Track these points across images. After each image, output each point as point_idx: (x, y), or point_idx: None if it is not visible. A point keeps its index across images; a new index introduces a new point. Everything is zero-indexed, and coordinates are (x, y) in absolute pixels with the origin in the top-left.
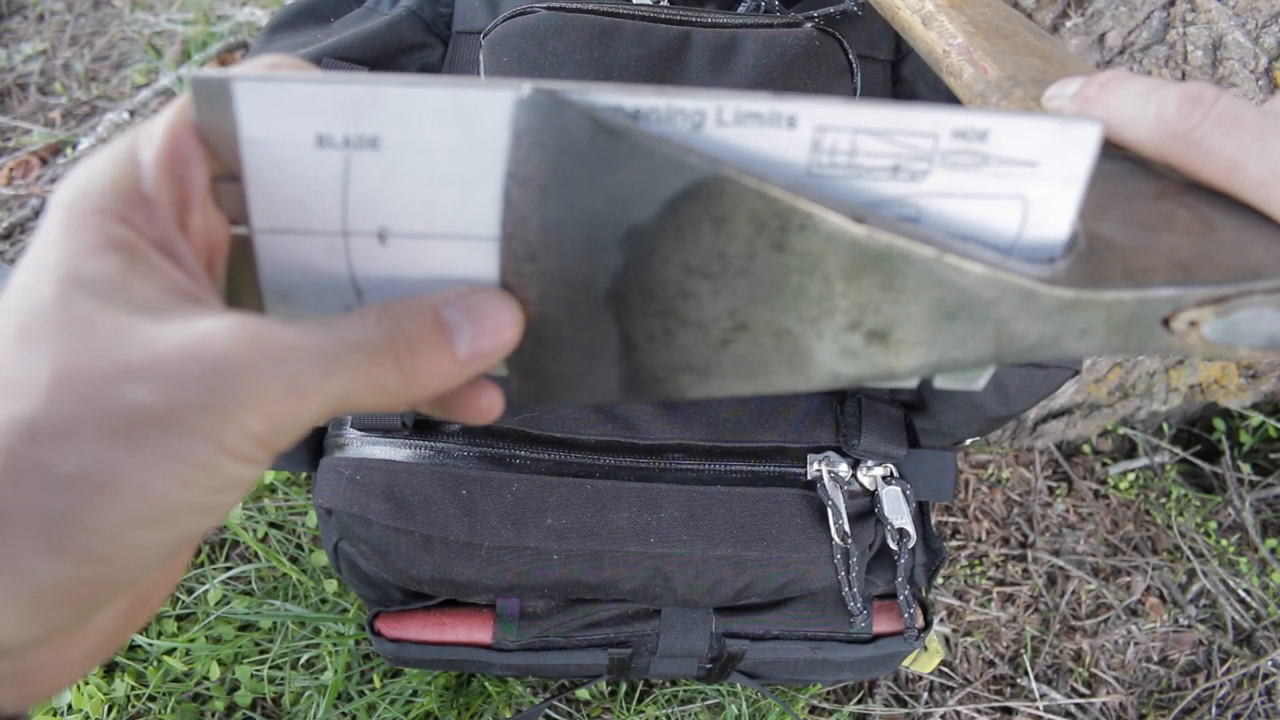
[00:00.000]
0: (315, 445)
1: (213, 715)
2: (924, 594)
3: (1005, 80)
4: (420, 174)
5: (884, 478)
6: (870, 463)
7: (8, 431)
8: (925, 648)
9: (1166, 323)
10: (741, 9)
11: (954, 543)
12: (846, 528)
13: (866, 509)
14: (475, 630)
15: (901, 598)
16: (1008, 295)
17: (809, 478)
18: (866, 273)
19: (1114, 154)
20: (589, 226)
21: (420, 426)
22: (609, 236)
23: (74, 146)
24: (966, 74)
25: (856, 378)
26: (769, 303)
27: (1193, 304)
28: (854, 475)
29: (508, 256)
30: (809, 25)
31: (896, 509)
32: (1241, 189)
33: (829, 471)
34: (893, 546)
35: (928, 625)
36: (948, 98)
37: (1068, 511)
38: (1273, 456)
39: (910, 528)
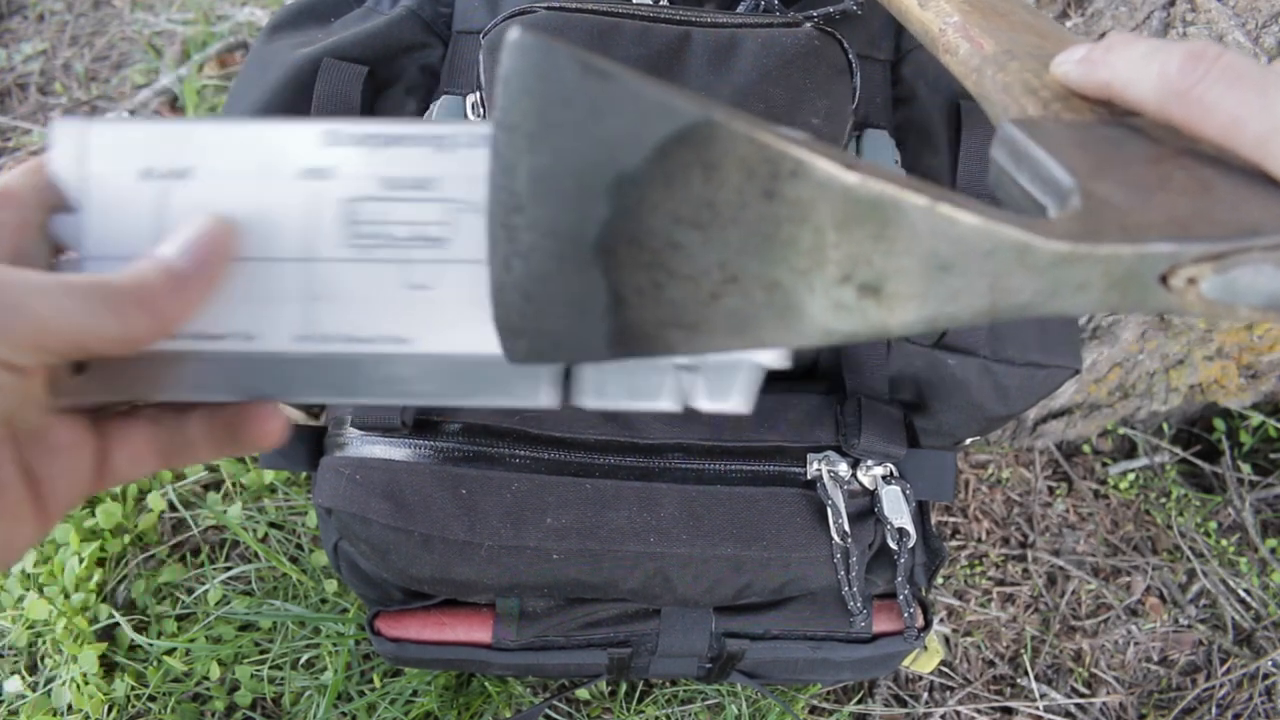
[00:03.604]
0: (315, 444)
1: (213, 715)
2: (924, 594)
3: (1001, 54)
4: (225, 199)
5: (884, 477)
6: (870, 462)
7: None
8: (925, 648)
9: (1164, 280)
10: (741, 8)
11: (954, 543)
12: (846, 527)
13: (866, 508)
14: (475, 630)
15: (901, 597)
16: (1002, 248)
17: (809, 477)
18: (858, 223)
19: (1113, 120)
20: (577, 174)
21: (420, 426)
22: (597, 184)
23: None
24: (962, 50)
25: (849, 334)
26: (759, 254)
27: (1191, 260)
28: (854, 475)
29: (496, 206)
30: (809, 25)
31: (896, 508)
32: (1241, 145)
33: (829, 471)
34: (892, 546)
35: (927, 625)
36: (948, 98)
37: (1068, 511)
38: (1273, 456)
39: (910, 527)
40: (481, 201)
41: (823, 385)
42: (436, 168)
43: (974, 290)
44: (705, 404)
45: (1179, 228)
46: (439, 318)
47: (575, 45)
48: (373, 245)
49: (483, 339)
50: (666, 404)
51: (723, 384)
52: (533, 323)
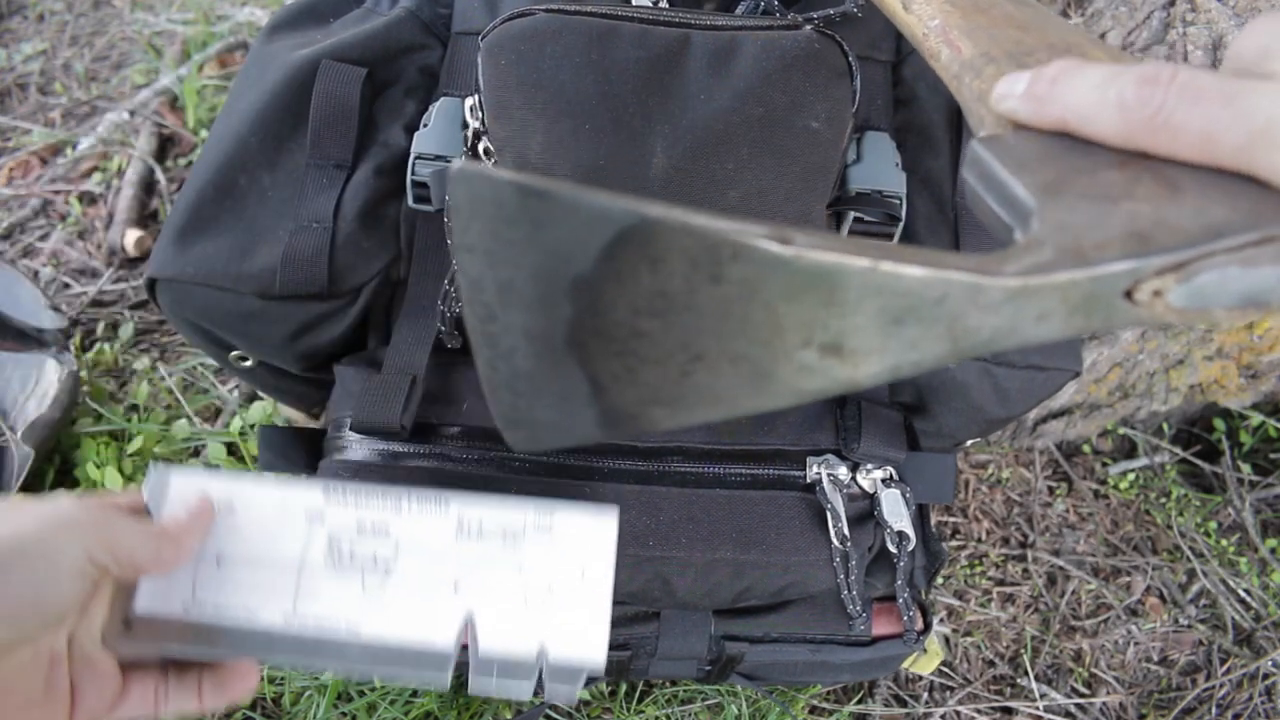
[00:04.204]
0: (314, 447)
1: (213, 715)
2: (924, 596)
3: (979, 58)
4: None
5: (884, 480)
6: (870, 465)
7: None
8: (925, 650)
9: (1130, 295)
10: (740, 10)
11: (954, 543)
12: (846, 531)
13: (866, 511)
14: None
15: (901, 600)
16: (952, 293)
17: (808, 480)
18: (806, 292)
19: None
20: (537, 282)
21: (419, 430)
22: (557, 289)
23: (74, 146)
24: (943, 56)
25: (820, 391)
26: (718, 333)
27: (1152, 274)
28: (853, 478)
29: (472, 318)
30: (809, 28)
31: (896, 512)
32: (1220, 159)
33: (828, 474)
34: (892, 549)
35: (927, 628)
36: (948, 99)
37: (1068, 511)
38: (1273, 456)
39: (910, 530)
40: (418, 544)
41: None
42: (394, 520)
43: (932, 336)
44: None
45: (1138, 242)
46: (379, 614)
47: (507, 176)
48: (344, 564)
49: (407, 629)
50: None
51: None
52: (526, 415)
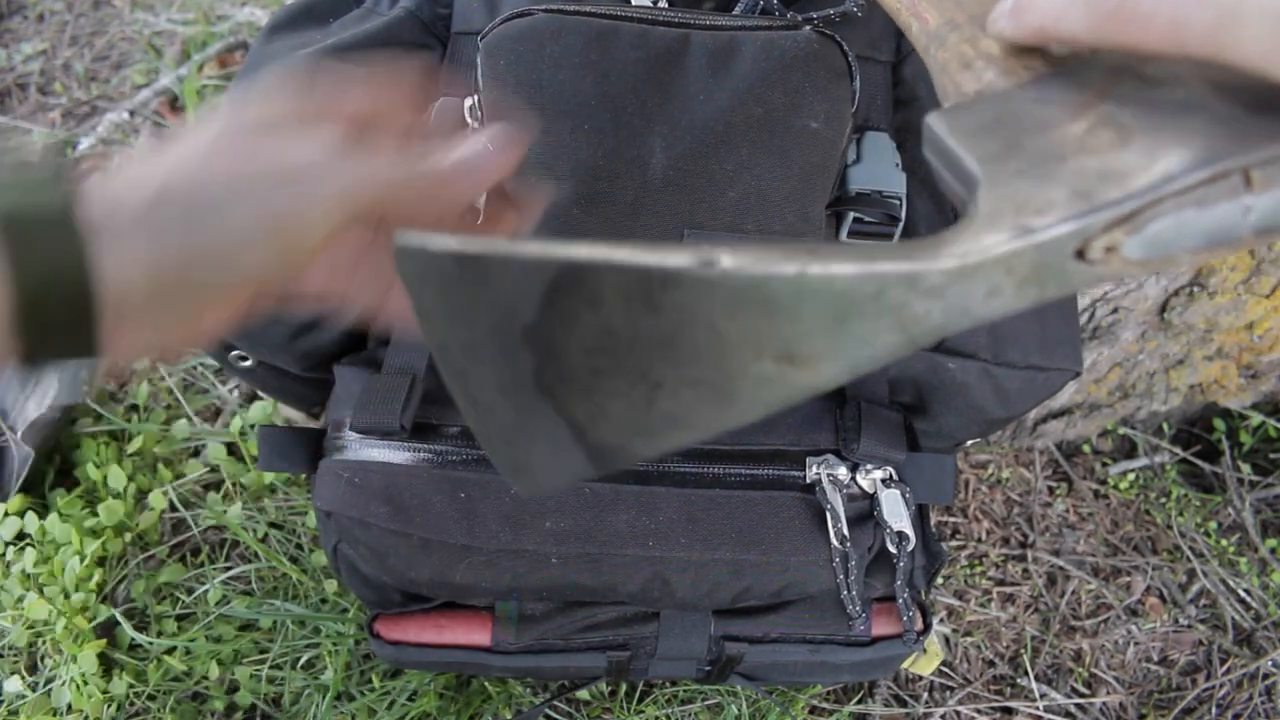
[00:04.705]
0: (314, 447)
1: (212, 715)
2: (923, 597)
3: (943, 27)
4: None
5: (883, 480)
6: (869, 466)
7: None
8: (924, 650)
9: (1082, 255)
10: (738, 9)
11: (954, 543)
12: (845, 531)
13: (866, 512)
14: (474, 633)
15: (900, 601)
16: (889, 285)
17: (808, 481)
18: (743, 307)
19: (1045, 75)
20: (494, 337)
21: (419, 429)
22: (512, 341)
23: (74, 146)
24: (914, 28)
25: (786, 399)
26: (669, 360)
27: (1100, 231)
28: (853, 478)
29: (448, 379)
30: (808, 28)
31: (896, 512)
32: (1189, 45)
33: (828, 475)
34: (892, 550)
35: (927, 628)
36: None
37: (1068, 511)
38: (1273, 456)
39: (910, 531)
40: None
41: None
42: None
43: (882, 330)
44: None
45: (1081, 200)
46: None
47: (442, 245)
48: None
49: None
50: None
51: None
52: (524, 462)
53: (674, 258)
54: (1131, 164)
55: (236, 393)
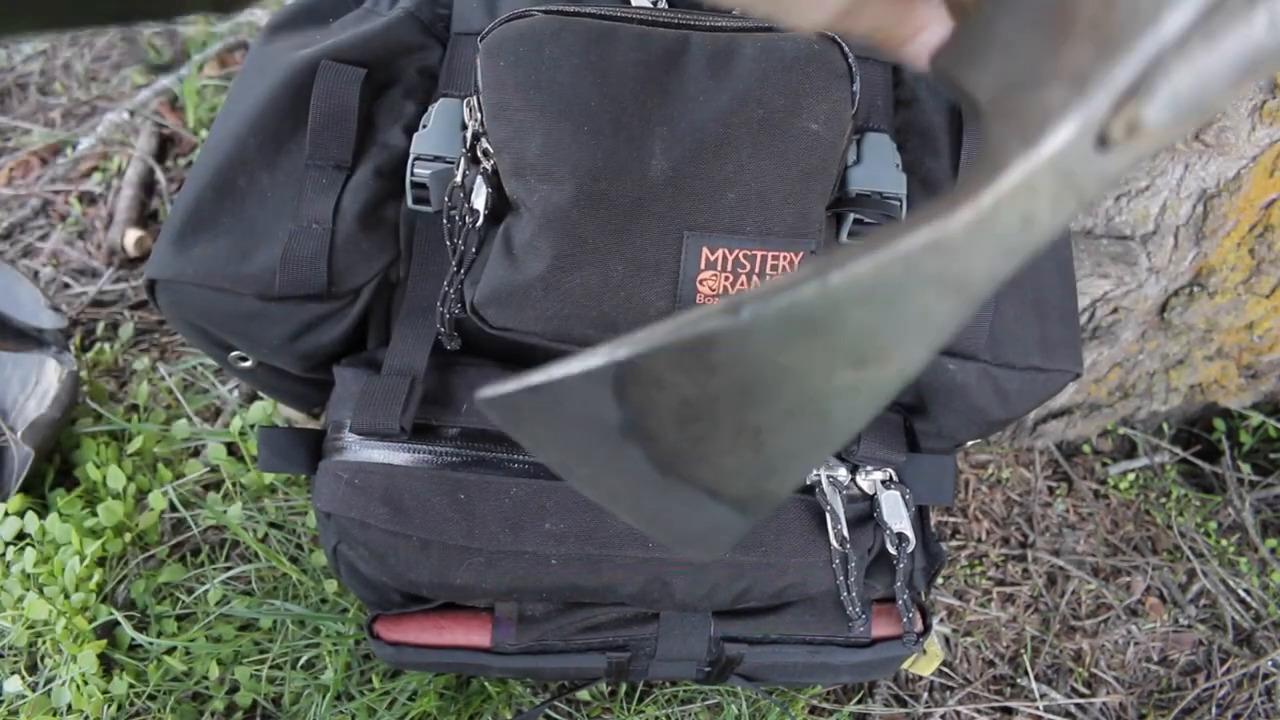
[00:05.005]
0: (314, 448)
1: (212, 715)
2: (923, 598)
3: None
4: None
5: (883, 482)
6: (869, 467)
7: None
8: (924, 651)
9: (1104, 143)
10: (738, 10)
11: (954, 543)
12: (845, 533)
13: (865, 513)
14: (474, 634)
15: (900, 602)
16: (917, 259)
17: (808, 482)
18: (788, 337)
19: None
20: (600, 444)
21: (419, 431)
22: (613, 440)
23: (74, 146)
24: None
25: (880, 397)
26: (754, 406)
27: (1108, 113)
28: (853, 479)
29: (585, 490)
30: None
31: (895, 513)
32: None
33: (828, 476)
34: (892, 551)
35: (926, 629)
36: (949, 100)
37: (1068, 511)
38: (1273, 456)
39: (909, 532)
40: None
41: None
42: None
43: (932, 301)
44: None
45: (1077, 87)
46: None
47: (504, 392)
48: None
49: None
50: None
51: None
52: (686, 534)
53: (703, 322)
54: (1125, 24)
55: (236, 393)
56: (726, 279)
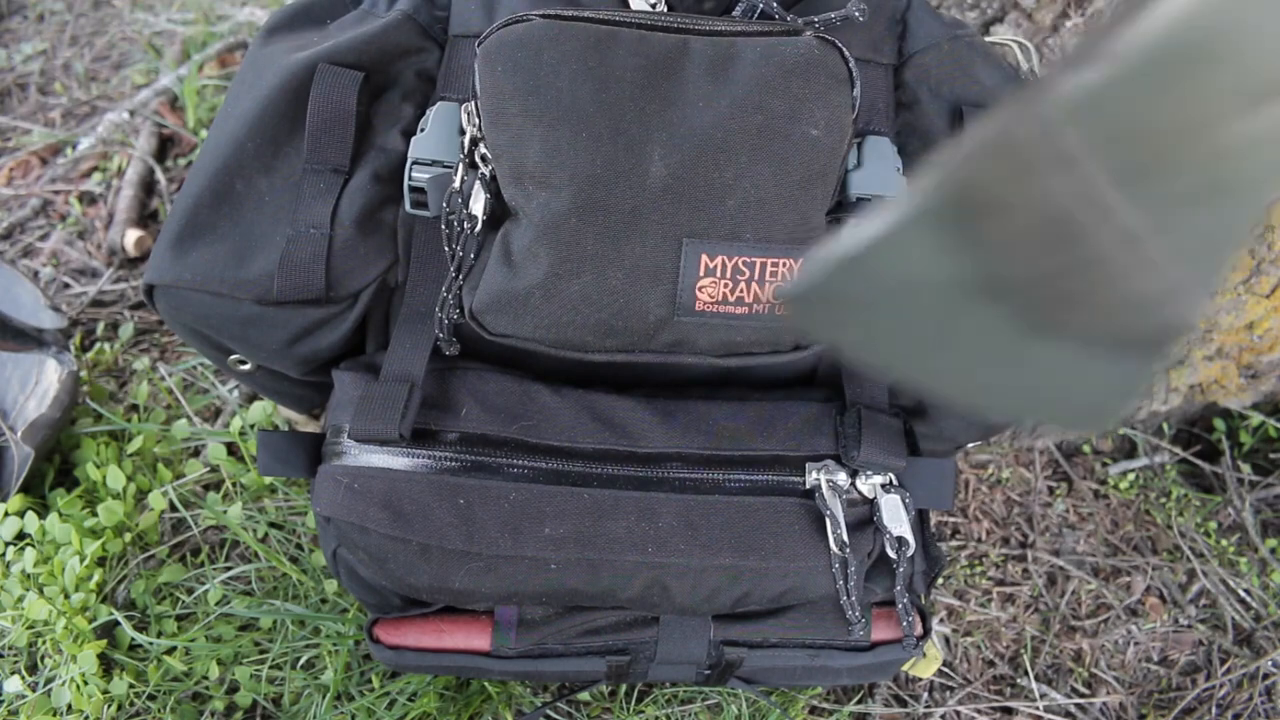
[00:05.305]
0: (314, 451)
1: (212, 715)
2: (923, 601)
3: None
4: None
5: (883, 486)
6: (869, 471)
7: None
8: (924, 653)
9: None
10: (737, 12)
11: (954, 543)
12: (845, 537)
13: (865, 517)
14: (474, 637)
15: (900, 606)
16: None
17: (807, 486)
18: (1177, 73)
19: None
20: (948, 321)
21: (418, 435)
22: (964, 308)
23: (74, 146)
24: None
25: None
26: (1133, 197)
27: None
28: (853, 483)
29: (955, 396)
30: (809, 33)
31: (895, 517)
32: None
33: (827, 480)
34: (891, 555)
35: (926, 633)
36: (951, 103)
37: (1068, 511)
38: (1273, 456)
39: (909, 536)
40: None
41: (822, 393)
42: None
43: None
44: None
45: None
46: None
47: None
48: None
49: None
50: None
51: None
52: (1063, 410)
53: (1056, 79)
54: None
55: (236, 393)
56: (726, 286)
